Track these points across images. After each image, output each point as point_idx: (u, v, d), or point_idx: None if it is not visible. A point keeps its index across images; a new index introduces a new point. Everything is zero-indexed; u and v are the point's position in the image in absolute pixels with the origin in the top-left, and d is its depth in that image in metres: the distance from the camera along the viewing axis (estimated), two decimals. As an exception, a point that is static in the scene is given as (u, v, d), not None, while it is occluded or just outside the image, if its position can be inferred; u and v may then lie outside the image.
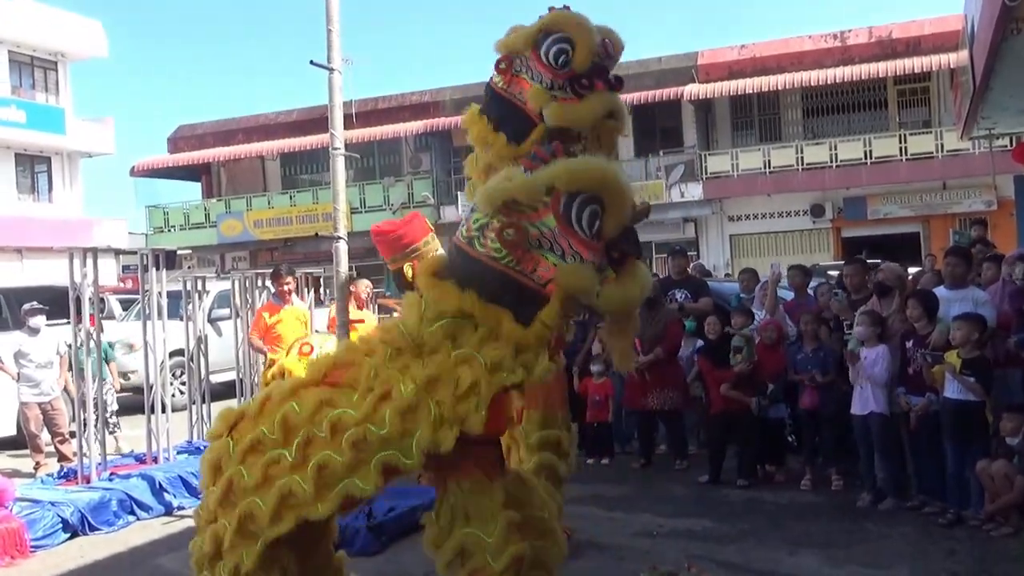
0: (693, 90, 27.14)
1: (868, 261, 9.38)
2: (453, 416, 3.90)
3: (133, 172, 34.33)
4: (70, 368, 9.61)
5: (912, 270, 12.45)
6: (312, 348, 7.51)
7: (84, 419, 8.43)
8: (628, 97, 27.74)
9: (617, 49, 5.06)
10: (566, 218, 3.89)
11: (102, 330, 9.23)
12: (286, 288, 9.24)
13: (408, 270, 6.95)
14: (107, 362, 10.62)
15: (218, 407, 10.37)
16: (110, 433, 10.86)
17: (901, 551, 5.97)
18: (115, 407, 11.11)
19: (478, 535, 4.04)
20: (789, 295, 9.02)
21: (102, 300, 12.26)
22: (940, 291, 7.23)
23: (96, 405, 8.80)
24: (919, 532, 6.33)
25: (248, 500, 4.04)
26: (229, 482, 4.12)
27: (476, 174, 5.32)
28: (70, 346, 9.15)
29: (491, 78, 5.31)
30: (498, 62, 5.21)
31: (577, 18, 4.96)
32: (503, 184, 3.89)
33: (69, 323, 8.54)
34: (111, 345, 10.88)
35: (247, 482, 4.07)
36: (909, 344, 6.90)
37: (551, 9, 5.07)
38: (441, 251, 6.99)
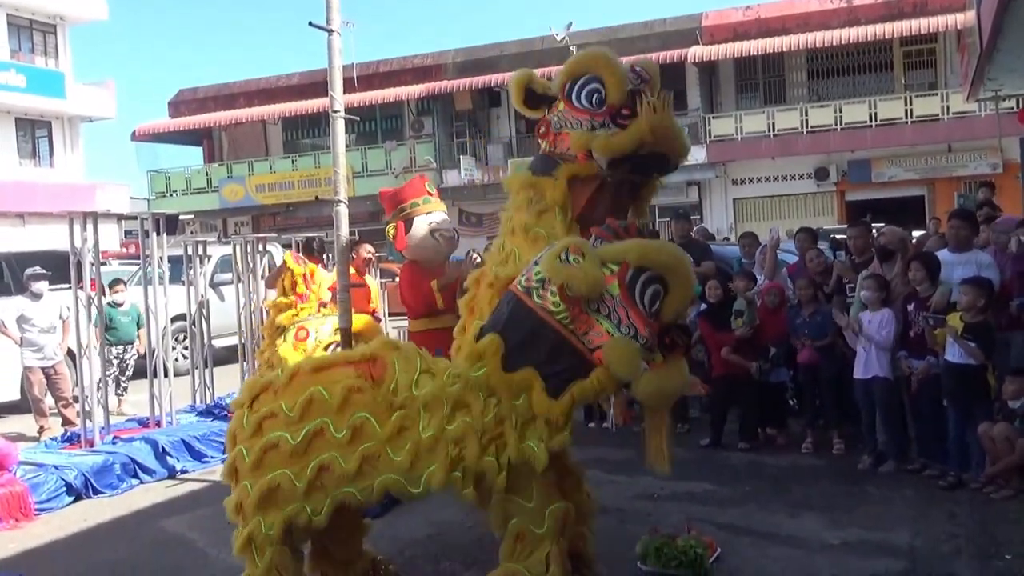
0: (697, 52, 26.91)
1: (872, 225, 9.33)
2: (475, 469, 4.08)
3: (134, 137, 34.22)
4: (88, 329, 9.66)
5: (916, 233, 12.42)
6: (308, 333, 7.48)
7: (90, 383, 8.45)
8: (631, 59, 27.44)
9: (650, 73, 4.95)
10: (630, 289, 4.02)
11: (103, 294, 9.24)
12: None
13: (390, 231, 6.95)
14: (139, 327, 10.87)
15: (220, 372, 10.52)
16: (117, 395, 10.97)
17: (902, 514, 5.98)
18: (131, 371, 11.22)
19: (519, 502, 4.19)
20: (791, 258, 8.98)
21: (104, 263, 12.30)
22: (944, 254, 7.20)
23: (104, 364, 8.83)
24: (920, 495, 6.34)
25: (278, 472, 4.15)
26: (234, 458, 4.31)
27: (508, 234, 5.17)
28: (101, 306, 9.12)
29: (540, 146, 5.25)
30: (537, 128, 5.18)
31: (598, 54, 4.91)
32: (571, 270, 3.99)
33: (71, 287, 8.52)
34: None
35: (247, 464, 4.23)
36: (911, 307, 6.88)
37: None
38: (437, 214, 6.98)
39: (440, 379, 4.22)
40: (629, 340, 4.00)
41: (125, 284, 11.51)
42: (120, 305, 11.16)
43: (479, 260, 8.96)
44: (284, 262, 8.31)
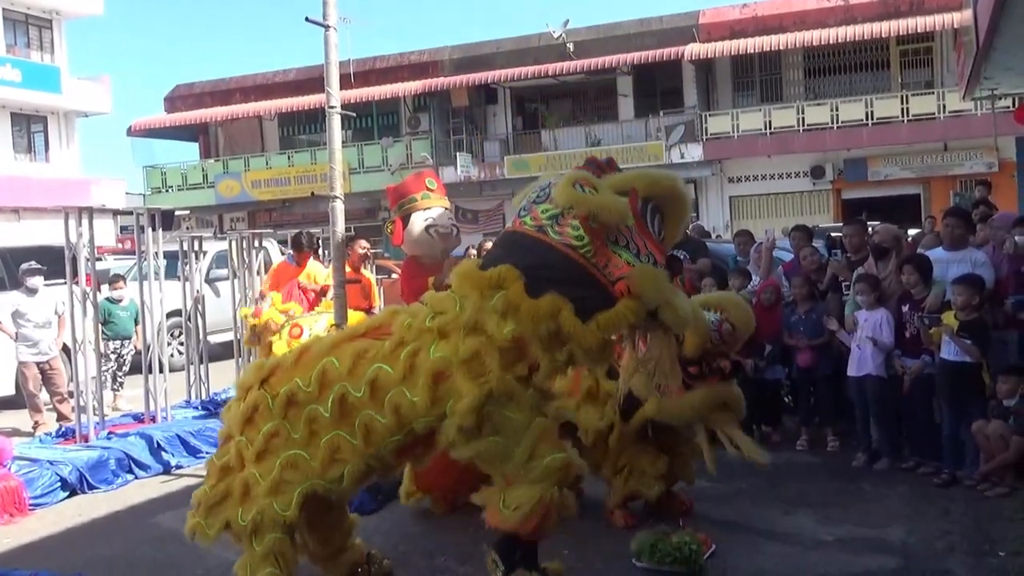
0: (694, 50, 26.90)
1: (868, 223, 9.34)
2: (501, 389, 4.01)
3: (130, 132, 34.10)
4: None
5: (912, 232, 12.43)
6: (302, 330, 7.47)
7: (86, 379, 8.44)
8: (628, 57, 27.63)
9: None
10: (643, 217, 4.00)
11: (99, 290, 9.22)
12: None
13: (389, 226, 6.96)
14: (136, 323, 10.89)
15: (216, 368, 10.51)
16: (114, 390, 10.97)
17: (896, 511, 6.00)
18: (127, 367, 11.22)
19: (505, 445, 4.09)
20: (787, 256, 8.99)
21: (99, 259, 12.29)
22: (939, 252, 7.21)
23: (100, 359, 8.82)
24: (914, 492, 6.36)
25: (292, 452, 4.16)
26: (270, 435, 4.22)
27: None
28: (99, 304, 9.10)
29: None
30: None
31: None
32: (596, 200, 3.95)
33: (66, 283, 8.51)
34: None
35: (294, 437, 4.17)
36: (905, 308, 6.90)
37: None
38: (435, 210, 6.97)
39: (452, 311, 4.14)
40: (654, 267, 3.98)
41: (125, 281, 11.50)
42: (119, 301, 11.15)
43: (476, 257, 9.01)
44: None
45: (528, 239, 4.11)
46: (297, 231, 9.73)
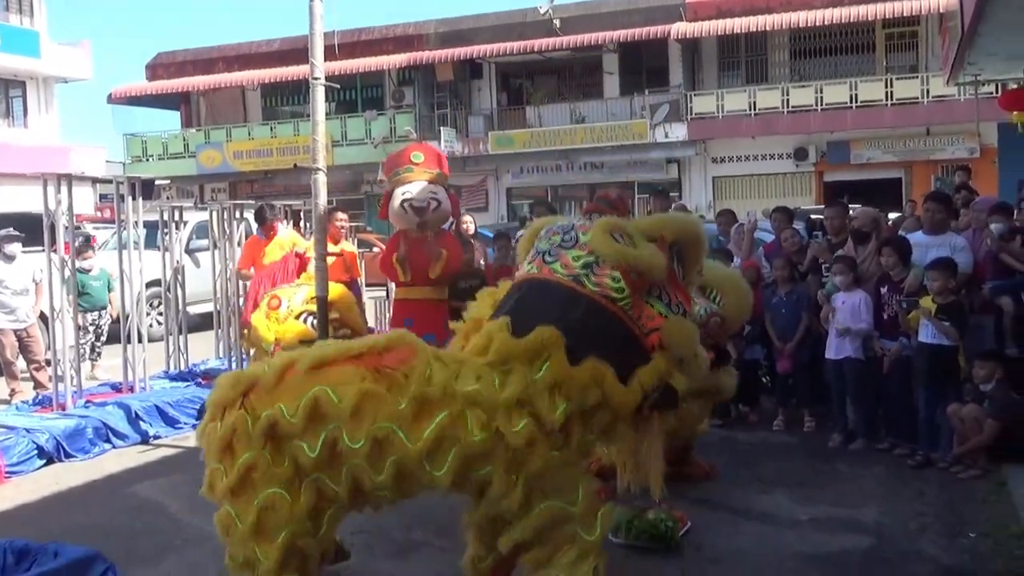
0: (680, 29, 26.82)
1: (849, 206, 9.37)
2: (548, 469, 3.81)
3: (111, 99, 33.77)
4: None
5: (892, 216, 12.48)
6: (280, 302, 7.44)
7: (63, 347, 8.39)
8: (614, 35, 27.52)
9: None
10: (671, 267, 3.92)
11: (93, 255, 9.13)
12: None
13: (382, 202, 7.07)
14: (110, 291, 10.77)
15: (195, 338, 10.47)
16: (92, 359, 10.90)
17: (871, 491, 6.06)
18: (105, 337, 11.14)
19: (562, 506, 3.84)
20: (768, 237, 9.01)
21: (81, 229, 12.20)
22: (918, 236, 7.25)
23: (80, 329, 8.76)
24: (889, 473, 6.43)
25: (271, 491, 3.69)
26: (248, 467, 3.72)
27: None
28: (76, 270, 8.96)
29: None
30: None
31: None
32: (636, 252, 3.83)
33: (44, 250, 8.44)
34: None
35: (275, 471, 3.70)
36: (883, 290, 6.94)
37: None
38: (415, 184, 6.95)
39: (486, 375, 3.77)
40: (684, 319, 3.91)
41: (94, 249, 11.35)
42: (89, 271, 10.98)
43: (472, 230, 9.02)
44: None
45: (563, 290, 3.89)
46: (260, 204, 9.67)
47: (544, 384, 3.74)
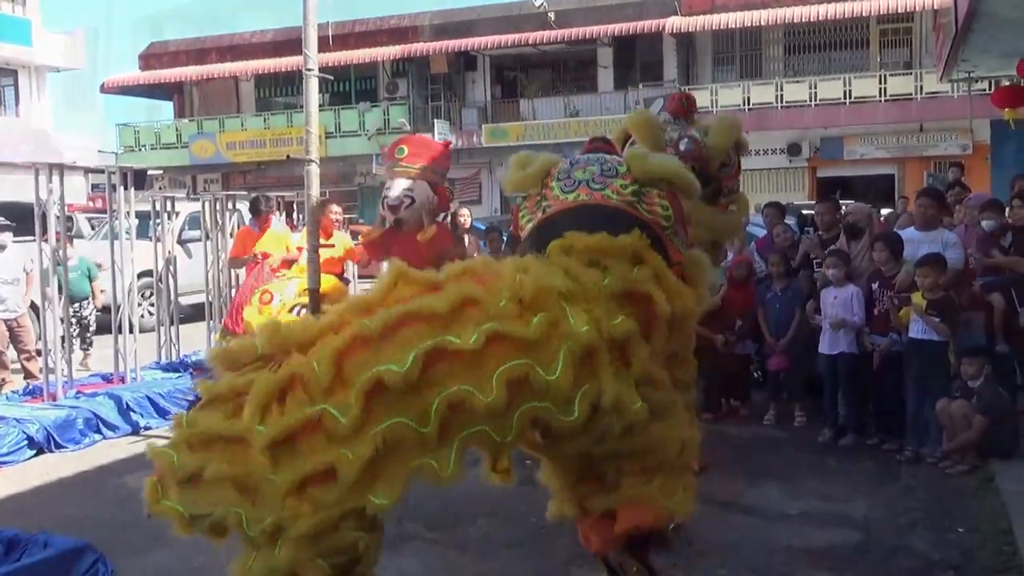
0: (675, 23, 26.83)
1: (840, 202, 9.40)
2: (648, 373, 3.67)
3: (103, 89, 33.66)
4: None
5: (885, 212, 12.52)
6: (272, 296, 7.40)
7: (53, 337, 8.36)
8: (608, 29, 27.50)
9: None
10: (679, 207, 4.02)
11: (70, 246, 9.09)
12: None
13: None
14: (91, 280, 10.66)
15: (186, 329, 10.44)
16: (83, 349, 10.85)
17: (860, 486, 6.08)
18: (94, 327, 11.08)
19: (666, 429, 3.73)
20: (759, 232, 9.03)
21: (70, 218, 12.14)
22: (910, 232, 7.27)
23: (65, 322, 8.73)
24: (878, 468, 6.45)
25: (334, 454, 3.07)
26: (304, 425, 3.14)
27: None
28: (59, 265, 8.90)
29: None
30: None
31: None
32: (681, 168, 4.04)
33: (35, 240, 8.41)
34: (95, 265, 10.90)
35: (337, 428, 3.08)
36: (875, 286, 6.96)
37: None
38: (399, 181, 6.93)
39: (586, 275, 3.52)
40: (702, 254, 4.09)
41: (71, 239, 11.21)
42: (68, 261, 10.78)
43: (468, 223, 8.99)
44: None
45: (623, 213, 3.77)
46: (255, 195, 9.62)
47: (648, 278, 3.63)
